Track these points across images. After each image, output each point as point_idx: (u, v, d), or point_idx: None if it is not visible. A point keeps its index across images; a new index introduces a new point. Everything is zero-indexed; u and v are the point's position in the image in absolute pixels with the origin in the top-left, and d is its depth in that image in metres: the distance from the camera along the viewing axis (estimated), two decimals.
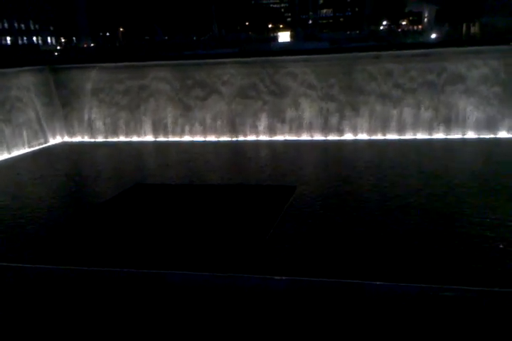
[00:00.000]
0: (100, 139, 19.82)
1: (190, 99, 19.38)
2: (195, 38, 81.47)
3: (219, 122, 19.75)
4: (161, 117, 20.19)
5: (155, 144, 19.46)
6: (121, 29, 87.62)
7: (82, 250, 7.04)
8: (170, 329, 3.52)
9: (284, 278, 4.42)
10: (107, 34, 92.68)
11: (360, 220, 9.42)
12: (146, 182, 12.25)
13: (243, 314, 3.66)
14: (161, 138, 19.91)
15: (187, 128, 19.78)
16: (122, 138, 19.93)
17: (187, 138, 19.00)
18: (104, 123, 19.66)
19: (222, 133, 19.04)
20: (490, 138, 20.45)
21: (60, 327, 3.67)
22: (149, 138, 19.74)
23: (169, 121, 19.52)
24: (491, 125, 18.92)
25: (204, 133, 19.68)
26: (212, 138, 20.04)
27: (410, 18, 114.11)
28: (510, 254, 6.59)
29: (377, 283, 4.50)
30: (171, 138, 19.74)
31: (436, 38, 72.89)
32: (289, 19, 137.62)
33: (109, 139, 19.43)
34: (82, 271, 4.81)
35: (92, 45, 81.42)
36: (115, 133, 19.92)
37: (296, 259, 7.38)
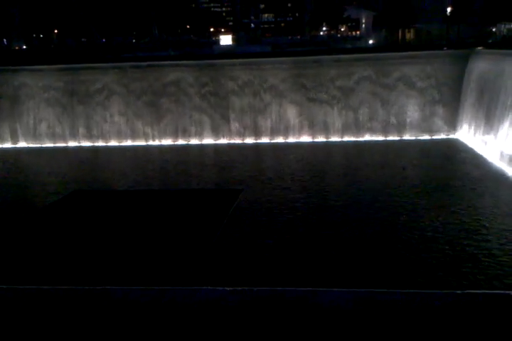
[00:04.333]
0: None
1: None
2: (134, 41, 79.57)
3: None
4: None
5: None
6: (55, 31, 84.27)
7: (12, 265, 6.11)
8: None
9: (229, 288, 4.26)
10: (41, 36, 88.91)
11: None
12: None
13: (191, 330, 3.54)
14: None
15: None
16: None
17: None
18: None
19: None
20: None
21: None
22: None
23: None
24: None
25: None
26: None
27: (349, 23, 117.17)
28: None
29: (327, 289, 4.37)
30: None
31: (373, 43, 74.97)
32: (230, 23, 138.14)
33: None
34: (16, 290, 4.44)
35: (24, 47, 77.69)
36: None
37: (243, 260, 6.81)
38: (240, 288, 4.19)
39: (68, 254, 6.76)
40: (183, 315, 3.77)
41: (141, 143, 33.02)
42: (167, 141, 33.07)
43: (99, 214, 8.64)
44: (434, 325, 3.45)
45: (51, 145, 33.25)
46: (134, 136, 32.27)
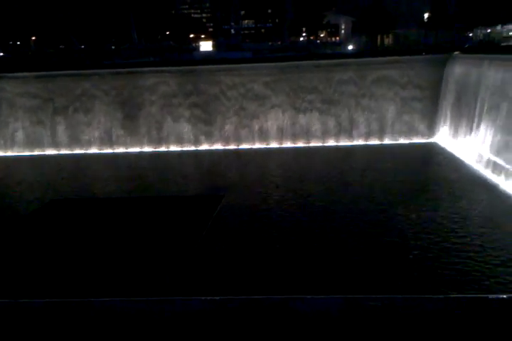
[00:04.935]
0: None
1: None
2: (113, 47, 78.97)
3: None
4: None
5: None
6: (33, 38, 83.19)
7: None
8: None
9: (209, 298, 4.18)
10: (18, 43, 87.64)
11: None
12: None
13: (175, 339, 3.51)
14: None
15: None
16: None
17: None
18: None
19: None
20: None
21: None
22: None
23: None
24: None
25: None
26: None
27: (328, 29, 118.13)
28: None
29: (307, 296, 4.21)
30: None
31: (353, 49, 75.65)
32: (211, 29, 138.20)
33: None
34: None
35: (0, 54, 76.54)
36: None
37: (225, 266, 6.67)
38: (218, 298, 4.10)
39: (49, 264, 6.60)
40: (164, 325, 3.71)
41: (122, 150, 32.73)
42: (149, 148, 32.81)
43: (79, 223, 8.48)
44: (418, 329, 3.45)
45: (29, 153, 32.74)
46: (114, 143, 31.93)
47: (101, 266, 6.79)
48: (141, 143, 31.91)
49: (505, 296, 4.04)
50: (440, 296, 4.15)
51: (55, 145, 32.03)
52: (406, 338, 3.42)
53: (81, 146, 31.87)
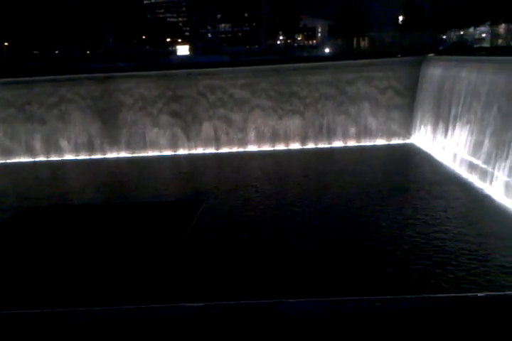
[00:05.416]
0: None
1: None
2: (88, 52, 78.11)
3: None
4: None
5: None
6: (5, 43, 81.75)
7: None
8: None
9: (195, 304, 4.13)
10: None
11: None
12: None
13: None
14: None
15: None
16: None
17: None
18: None
19: None
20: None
21: None
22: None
23: None
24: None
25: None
26: None
27: (305, 33, 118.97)
28: None
29: (290, 300, 4.21)
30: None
31: (330, 52, 76.25)
32: (187, 33, 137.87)
33: None
34: None
35: None
36: None
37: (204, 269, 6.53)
38: (202, 304, 4.09)
39: (21, 274, 6.41)
40: (147, 332, 3.68)
41: (99, 156, 32.26)
42: (126, 154, 32.44)
43: (53, 232, 8.26)
44: (400, 331, 3.46)
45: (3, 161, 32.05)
46: (92, 149, 31.49)
47: (75, 275, 6.63)
48: (118, 149, 31.52)
49: (482, 294, 4.11)
50: (425, 295, 4.50)
51: (30, 152, 31.44)
52: (390, 338, 3.45)
53: (57, 153, 31.36)
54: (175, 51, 76.26)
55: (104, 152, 31.35)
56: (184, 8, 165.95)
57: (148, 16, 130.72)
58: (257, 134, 31.86)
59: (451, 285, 11.23)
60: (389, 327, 3.51)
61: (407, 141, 31.16)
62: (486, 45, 59.57)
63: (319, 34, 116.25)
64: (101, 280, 6.57)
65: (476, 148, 21.20)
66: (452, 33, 71.44)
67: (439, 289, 11.07)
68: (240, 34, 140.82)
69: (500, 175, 18.61)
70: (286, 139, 31.81)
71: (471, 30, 67.68)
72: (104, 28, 76.61)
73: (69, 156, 31.19)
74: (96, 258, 7.08)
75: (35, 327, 3.86)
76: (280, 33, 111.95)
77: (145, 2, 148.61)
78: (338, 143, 31.63)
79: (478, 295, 4.03)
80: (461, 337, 3.41)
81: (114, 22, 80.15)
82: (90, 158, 30.90)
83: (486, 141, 20.25)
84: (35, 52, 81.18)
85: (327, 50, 79.26)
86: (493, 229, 14.92)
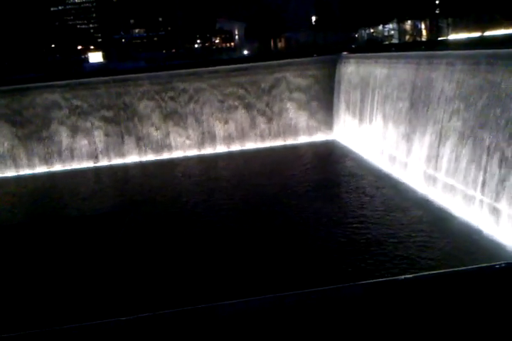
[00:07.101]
0: None
1: None
2: None
3: None
4: None
5: None
6: None
7: None
8: None
9: (140, 315, 4.32)
10: None
11: None
12: None
13: None
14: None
15: None
16: None
17: None
18: None
19: None
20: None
21: None
22: None
23: None
24: None
25: None
26: None
27: (222, 35, 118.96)
28: None
29: (226, 302, 4.37)
30: None
31: (248, 54, 76.72)
32: (100, 40, 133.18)
33: None
34: None
35: None
36: None
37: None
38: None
39: None
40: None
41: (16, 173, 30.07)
42: (58, 167, 30.45)
43: None
44: (339, 318, 3.68)
45: None
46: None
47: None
48: (46, 162, 30.03)
49: (411, 276, 4.59)
50: (364, 282, 4.69)
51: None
52: (335, 325, 3.61)
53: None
54: (87, 58, 73.32)
55: (31, 166, 29.69)
56: (94, 14, 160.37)
57: (57, 23, 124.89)
58: (177, 140, 31.10)
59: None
60: (331, 315, 3.68)
61: (329, 138, 31.58)
62: (395, 41, 62.37)
63: (236, 36, 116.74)
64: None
65: (391, 139, 21.72)
66: (363, 31, 74.18)
67: None
68: (155, 39, 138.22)
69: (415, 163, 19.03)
70: (213, 143, 31.46)
71: (380, 28, 70.59)
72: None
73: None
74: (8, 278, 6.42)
75: None
76: (197, 36, 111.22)
77: (52, 9, 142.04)
78: (262, 144, 31.50)
79: (401, 278, 4.43)
80: (395, 317, 3.66)
81: (19, 31, 75.59)
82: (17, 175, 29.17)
83: (398, 133, 20.81)
84: None
85: (246, 52, 79.64)
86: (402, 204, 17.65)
